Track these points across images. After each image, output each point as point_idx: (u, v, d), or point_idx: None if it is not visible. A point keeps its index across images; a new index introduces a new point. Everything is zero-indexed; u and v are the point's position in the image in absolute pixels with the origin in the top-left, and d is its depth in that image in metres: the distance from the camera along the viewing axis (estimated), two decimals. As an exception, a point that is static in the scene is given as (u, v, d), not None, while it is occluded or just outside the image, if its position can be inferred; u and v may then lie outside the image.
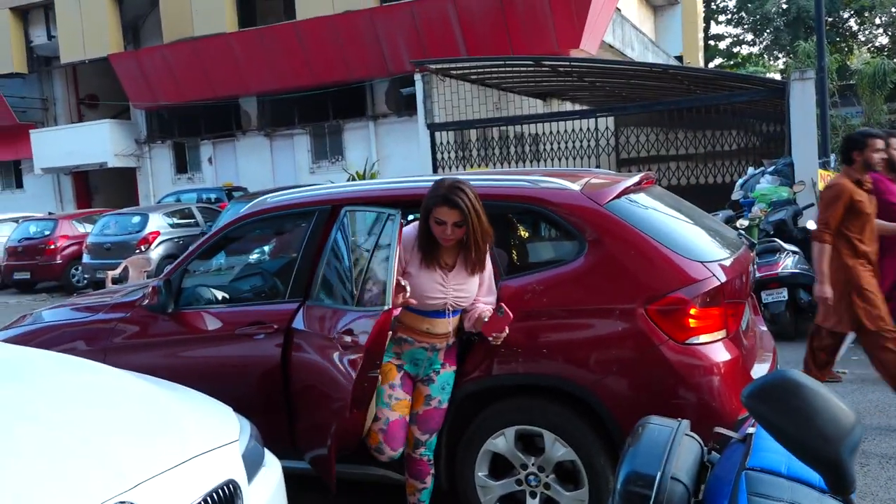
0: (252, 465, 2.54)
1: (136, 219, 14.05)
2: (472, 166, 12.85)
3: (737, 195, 9.67)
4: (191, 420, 2.56)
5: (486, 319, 3.11)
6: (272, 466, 2.73)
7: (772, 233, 7.85)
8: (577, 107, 17.11)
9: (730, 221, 8.14)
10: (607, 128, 13.19)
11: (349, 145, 21.59)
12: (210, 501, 2.20)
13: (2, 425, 2.24)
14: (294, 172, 21.94)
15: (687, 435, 1.88)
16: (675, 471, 1.71)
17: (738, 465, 1.75)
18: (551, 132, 12.88)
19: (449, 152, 12.94)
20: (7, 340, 4.13)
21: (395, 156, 20.34)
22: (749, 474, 1.68)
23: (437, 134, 12.84)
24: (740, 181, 10.03)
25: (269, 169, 22.52)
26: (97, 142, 23.96)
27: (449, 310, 3.17)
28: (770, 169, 9.68)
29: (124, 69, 23.16)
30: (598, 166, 12.20)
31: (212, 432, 2.50)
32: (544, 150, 13.14)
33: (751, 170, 10.36)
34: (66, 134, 24.63)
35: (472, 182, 3.17)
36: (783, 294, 7.01)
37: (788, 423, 1.32)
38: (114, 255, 13.06)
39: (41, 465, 2.08)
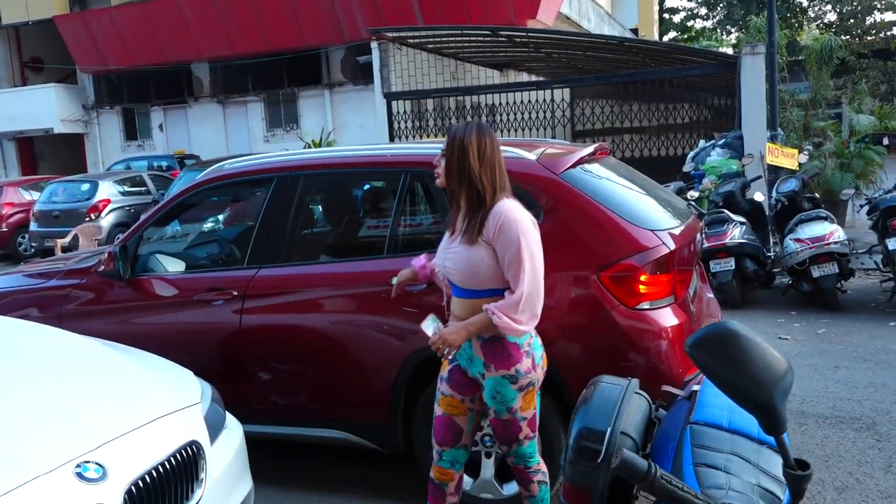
0: (214, 427, 2.58)
1: (86, 186, 13.74)
2: (428, 136, 12.83)
3: (688, 167, 9.87)
4: (152, 382, 2.59)
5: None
6: (234, 429, 2.77)
7: (721, 204, 8.05)
8: (534, 78, 17.15)
9: (681, 193, 8.32)
10: (563, 99, 13.28)
11: (304, 113, 21.34)
12: (174, 461, 2.24)
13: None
14: (248, 140, 21.62)
15: (636, 393, 1.99)
16: (625, 426, 1.80)
17: (683, 420, 1.85)
18: (507, 103, 12.91)
19: (405, 122, 12.91)
20: (-43, 308, 4.06)
21: (350, 124, 20.18)
22: (693, 428, 1.78)
23: (394, 103, 12.79)
24: (691, 154, 10.22)
25: (223, 137, 22.14)
26: (42, 106, 23.23)
27: (445, 281, 2.81)
28: (720, 142, 9.89)
29: (70, 31, 22.43)
30: (553, 137, 12.29)
31: (173, 394, 2.53)
32: (501, 120, 13.16)
33: (702, 142, 10.55)
34: (9, 98, 23.83)
35: (429, 150, 3.17)
36: (730, 263, 7.23)
37: (726, 369, 1.42)
38: (63, 222, 12.78)
39: (4, 427, 2.09)
